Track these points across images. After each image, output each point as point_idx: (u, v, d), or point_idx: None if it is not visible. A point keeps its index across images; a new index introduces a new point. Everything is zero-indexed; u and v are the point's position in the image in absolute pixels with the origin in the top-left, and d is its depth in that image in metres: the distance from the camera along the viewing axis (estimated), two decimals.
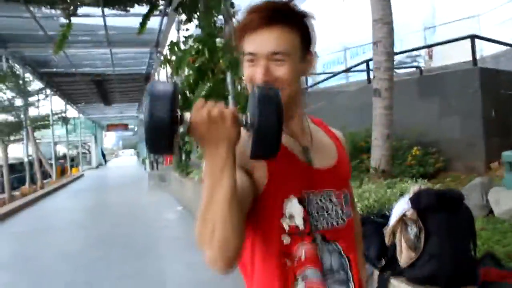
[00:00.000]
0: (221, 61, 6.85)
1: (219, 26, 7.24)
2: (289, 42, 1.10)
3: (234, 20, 7.05)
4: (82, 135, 37.03)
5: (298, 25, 1.12)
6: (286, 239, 1.09)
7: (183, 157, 12.41)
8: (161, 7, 9.79)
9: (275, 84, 1.07)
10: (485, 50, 9.90)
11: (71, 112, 29.70)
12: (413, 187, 2.63)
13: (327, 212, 1.15)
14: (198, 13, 7.65)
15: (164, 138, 0.90)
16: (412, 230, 2.44)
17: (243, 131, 0.99)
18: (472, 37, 7.04)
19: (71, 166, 29.36)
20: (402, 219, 2.49)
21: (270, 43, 1.09)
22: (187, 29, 8.08)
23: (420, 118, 6.82)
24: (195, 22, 7.90)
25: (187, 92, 7.38)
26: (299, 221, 1.09)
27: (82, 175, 26.42)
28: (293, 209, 1.09)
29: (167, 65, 8.53)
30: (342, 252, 1.15)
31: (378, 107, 5.48)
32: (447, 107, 6.75)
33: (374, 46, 5.48)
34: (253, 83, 1.10)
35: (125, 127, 41.43)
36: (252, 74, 1.11)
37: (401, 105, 6.27)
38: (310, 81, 15.57)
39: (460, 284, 2.32)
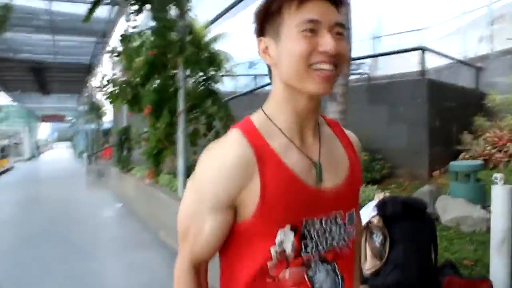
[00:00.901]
0: (175, 56, 6.65)
1: (174, 19, 7.02)
2: (344, 20, 1.01)
3: (190, 14, 6.89)
4: (15, 125, 35.10)
5: (341, 10, 1.02)
6: (271, 263, 0.99)
7: (125, 153, 12.01)
8: None
9: (338, 59, 0.96)
10: (428, 62, 10.30)
11: (4, 99, 28.07)
12: (378, 194, 2.63)
13: (330, 234, 1.04)
14: (152, 4, 7.39)
15: None
16: (378, 238, 2.43)
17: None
18: (422, 49, 7.30)
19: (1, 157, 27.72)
20: (368, 226, 2.48)
21: (334, 12, 0.98)
22: (135, 20, 7.79)
23: (368, 124, 6.96)
24: (146, 14, 7.63)
25: (138, 86, 7.11)
26: (287, 246, 0.99)
27: (12, 167, 25.01)
28: (285, 237, 0.98)
29: (117, 56, 8.19)
30: (337, 270, 1.06)
31: (333, 111, 5.51)
32: (395, 115, 6.95)
33: None
34: (311, 57, 0.95)
35: (61, 118, 39.75)
36: (312, 46, 0.94)
37: (351, 111, 6.36)
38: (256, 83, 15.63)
39: None
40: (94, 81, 20.73)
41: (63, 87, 23.64)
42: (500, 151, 6.38)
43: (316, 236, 1.01)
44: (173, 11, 6.84)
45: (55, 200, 11.47)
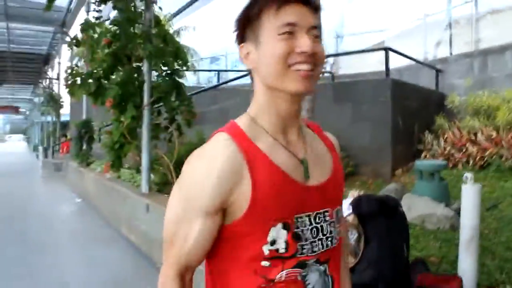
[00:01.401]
0: (139, 48, 6.50)
1: (139, 11, 6.85)
2: (320, 23, 1.07)
3: (155, 7, 6.74)
4: None
5: (318, 14, 1.06)
6: (264, 263, 0.99)
7: (84, 146, 11.69)
8: None
9: (315, 59, 1.00)
10: (390, 62, 10.54)
11: None
12: (352, 192, 2.65)
13: (322, 233, 1.05)
14: None
15: None
16: (353, 236, 2.44)
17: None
18: (386, 50, 7.43)
19: None
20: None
21: (311, 15, 1.02)
22: (98, 10, 7.57)
23: (333, 122, 7.01)
24: (110, 4, 7.42)
25: (102, 78, 6.89)
26: (280, 245, 0.99)
27: None
28: (277, 235, 0.98)
29: (77, 46, 7.92)
30: (327, 271, 1.07)
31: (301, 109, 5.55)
32: (359, 113, 7.06)
33: None
34: (289, 58, 0.98)
35: (15, 110, 38.29)
36: (291, 47, 0.98)
37: (316, 109, 6.42)
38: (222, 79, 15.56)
39: None
40: (52, 72, 20.08)
41: (17, 77, 22.76)
42: (459, 151, 6.59)
43: (311, 236, 1.02)
44: (137, 2, 6.68)
45: (9, 195, 10.99)
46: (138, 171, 7.24)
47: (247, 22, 1.05)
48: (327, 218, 1.07)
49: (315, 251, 1.03)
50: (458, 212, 3.63)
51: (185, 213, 1.00)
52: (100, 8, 7.51)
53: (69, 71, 6.95)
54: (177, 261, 1.02)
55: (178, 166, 6.44)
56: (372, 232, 2.44)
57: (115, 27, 6.71)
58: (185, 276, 1.04)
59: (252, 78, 1.09)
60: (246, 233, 0.99)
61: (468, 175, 2.62)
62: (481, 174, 6.00)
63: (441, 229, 4.16)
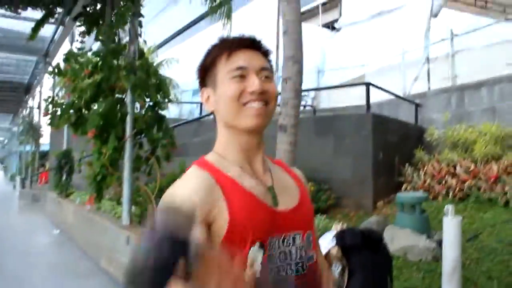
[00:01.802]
0: (123, 80, 6.52)
1: (123, 43, 6.91)
2: (269, 65, 1.17)
3: (140, 39, 6.81)
4: None
5: (268, 57, 1.19)
6: None
7: (64, 177, 11.50)
8: (57, 15, 9.12)
9: (266, 97, 1.10)
10: (370, 97, 10.76)
11: None
12: (336, 225, 2.65)
13: (291, 258, 1.09)
14: (100, 27, 7.25)
15: None
16: (337, 269, 2.44)
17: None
18: (367, 85, 7.61)
19: None
20: (327, 257, 2.49)
21: (260, 59, 1.14)
22: (82, 41, 7.61)
23: (315, 155, 7.09)
24: (93, 35, 7.47)
25: (83, 108, 6.86)
26: (257, 268, 1.01)
27: None
28: (255, 255, 1.02)
29: (58, 77, 7.90)
30: None
31: (283, 141, 5.58)
32: (341, 147, 7.15)
33: (283, 83, 5.60)
34: (242, 97, 1.09)
35: None
36: (242, 88, 1.09)
37: (298, 143, 6.48)
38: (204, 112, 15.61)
39: None
40: (33, 101, 19.89)
41: None
42: (439, 183, 6.69)
43: (278, 260, 1.06)
44: (121, 34, 6.75)
45: None
46: (119, 202, 7.14)
47: (205, 70, 1.17)
48: (297, 242, 1.11)
49: (280, 276, 1.06)
50: (439, 243, 3.68)
51: None
52: (84, 39, 7.58)
53: (49, 100, 6.92)
54: None
55: (160, 198, 6.40)
56: (357, 264, 2.43)
57: (98, 58, 6.76)
58: None
59: (215, 119, 1.19)
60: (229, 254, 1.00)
61: (449, 207, 2.67)
62: (460, 205, 6.09)
63: (424, 260, 4.19)
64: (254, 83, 1.08)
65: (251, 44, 1.15)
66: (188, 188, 1.04)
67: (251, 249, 1.01)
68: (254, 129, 1.11)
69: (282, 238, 1.08)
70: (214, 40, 1.19)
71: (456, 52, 10.37)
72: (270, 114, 1.12)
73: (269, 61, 1.18)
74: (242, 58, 1.11)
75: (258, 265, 1.01)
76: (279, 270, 1.06)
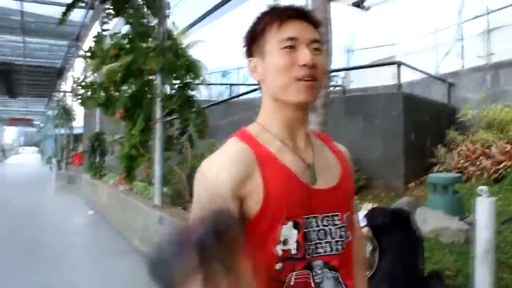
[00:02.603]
0: (152, 62, 6.58)
1: (152, 25, 6.95)
2: (319, 37, 1.12)
3: (168, 21, 6.84)
4: None
5: (318, 29, 1.14)
6: (278, 265, 1.02)
7: (97, 159, 11.78)
8: None
9: (316, 71, 1.07)
10: (401, 76, 10.55)
11: None
12: (366, 205, 2.65)
13: (330, 236, 1.08)
14: (129, 9, 7.31)
15: None
16: (368, 248, 2.44)
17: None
18: (398, 64, 7.44)
19: None
20: None
21: (311, 30, 1.11)
22: (106, 22, 7.66)
23: (344, 136, 6.92)
24: (122, 18, 7.54)
25: (112, 89, 6.97)
26: (292, 246, 1.02)
27: None
28: (288, 234, 1.02)
29: (90, 58, 8.05)
30: (340, 279, 1.09)
31: (314, 122, 5.55)
32: (371, 127, 7.05)
33: None
34: (292, 70, 1.06)
35: (29, 122, 38.72)
36: (292, 60, 1.06)
37: (328, 123, 6.44)
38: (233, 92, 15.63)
39: None
40: (65, 85, 20.32)
41: (31, 90, 23.05)
42: (473, 164, 6.53)
43: (317, 237, 1.06)
44: (150, 18, 6.78)
45: (24, 205, 11.07)
46: (151, 183, 7.29)
47: (253, 38, 1.13)
48: (337, 222, 1.10)
49: (319, 253, 1.06)
50: (472, 225, 3.61)
51: (208, 198, 1.02)
52: (109, 21, 7.65)
53: (78, 82, 7.07)
54: None
55: (191, 178, 6.48)
56: (387, 244, 2.44)
57: (125, 40, 6.83)
58: None
59: (261, 89, 1.16)
60: (261, 232, 1.02)
61: (483, 188, 2.61)
62: (495, 187, 5.94)
63: (456, 242, 4.13)
64: (305, 55, 1.05)
65: (302, 15, 1.11)
66: (224, 161, 1.04)
67: (283, 227, 1.01)
68: (302, 104, 1.09)
69: (321, 217, 1.07)
70: (264, 8, 1.15)
71: (491, 29, 10.00)
72: (319, 89, 1.10)
73: (320, 33, 1.14)
74: (293, 29, 1.08)
75: (293, 243, 1.02)
76: (317, 248, 1.05)
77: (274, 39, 1.08)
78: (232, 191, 1.01)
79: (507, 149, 6.40)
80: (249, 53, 1.16)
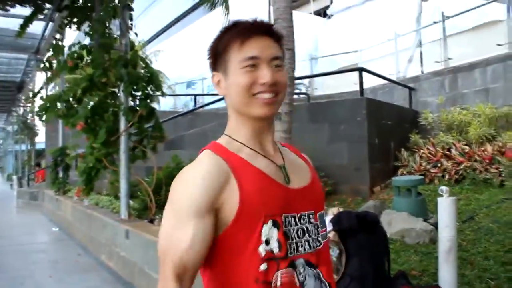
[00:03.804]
0: (112, 74, 6.48)
1: (114, 37, 6.86)
2: (281, 52, 1.16)
3: (131, 32, 6.76)
4: None
5: (280, 43, 1.17)
6: (263, 266, 1.04)
7: (60, 174, 11.47)
8: (46, 11, 9.04)
9: (277, 87, 1.10)
10: (364, 82, 10.77)
11: None
12: (332, 210, 2.67)
13: (308, 234, 1.12)
14: (90, 21, 7.20)
15: None
16: (334, 252, 2.46)
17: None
18: (360, 70, 7.59)
19: None
20: None
21: (272, 48, 1.13)
22: (60, 32, 7.51)
23: (310, 143, 7.06)
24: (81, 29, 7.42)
25: (72, 100, 6.82)
26: (274, 245, 1.05)
27: None
28: (269, 233, 1.05)
29: (49, 70, 7.88)
30: (322, 277, 1.12)
31: (278, 130, 5.56)
32: (336, 133, 7.15)
33: None
34: (252, 88, 1.09)
35: None
36: (254, 78, 1.09)
37: (293, 130, 6.48)
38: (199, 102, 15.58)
39: None
40: (26, 100, 19.77)
41: None
42: (434, 166, 6.71)
43: (296, 236, 1.09)
44: (113, 28, 6.69)
45: None
46: (116, 197, 7.14)
47: (216, 54, 1.16)
48: (312, 220, 1.14)
49: (300, 251, 1.08)
50: (436, 226, 3.69)
51: (178, 221, 1.04)
52: (62, 30, 7.49)
53: (35, 93, 6.90)
54: (173, 264, 1.02)
55: (157, 190, 6.39)
56: (353, 248, 2.47)
57: (85, 52, 6.72)
58: (183, 278, 1.03)
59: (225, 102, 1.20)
60: (241, 237, 1.04)
61: (444, 188, 2.68)
62: (456, 187, 6.12)
63: (421, 243, 4.22)
64: (265, 75, 1.09)
65: (264, 31, 1.13)
66: (197, 173, 1.06)
67: (264, 226, 1.03)
68: (263, 118, 1.13)
69: (298, 216, 1.11)
70: (225, 24, 1.19)
71: (448, 35, 10.34)
72: (280, 103, 1.14)
73: (281, 46, 1.17)
74: (255, 47, 1.10)
75: (274, 242, 1.04)
76: (297, 246, 1.08)
77: (236, 58, 1.11)
78: (207, 204, 1.02)
79: (466, 151, 6.61)
80: (213, 67, 1.18)
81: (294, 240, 1.08)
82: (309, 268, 1.09)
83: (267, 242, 1.04)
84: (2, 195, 20.10)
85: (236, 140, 1.14)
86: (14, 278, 5.76)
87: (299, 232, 1.10)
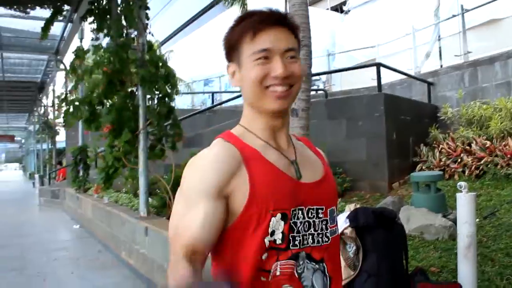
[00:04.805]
0: (132, 74, 6.55)
1: (132, 37, 6.93)
2: (296, 43, 1.14)
3: (147, 31, 6.81)
4: None
5: (295, 33, 1.15)
6: (264, 255, 1.05)
7: (81, 172, 11.65)
8: (65, 13, 9.17)
9: (290, 80, 1.09)
10: (382, 78, 10.67)
11: None
12: (349, 206, 2.67)
13: (314, 229, 1.11)
14: (108, 22, 7.28)
15: None
16: (351, 248, 2.46)
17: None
18: (378, 65, 7.52)
19: None
20: (341, 238, 2.50)
21: (285, 40, 1.11)
22: (97, 38, 7.62)
23: (328, 139, 7.06)
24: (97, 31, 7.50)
25: (95, 104, 6.91)
26: (277, 236, 1.05)
27: None
28: (276, 225, 1.05)
29: (71, 74, 7.98)
30: (326, 271, 1.13)
31: (295, 127, 5.57)
32: (354, 129, 7.11)
33: None
34: (265, 81, 1.08)
35: (10, 138, 38.13)
36: (266, 71, 1.08)
37: (310, 127, 6.47)
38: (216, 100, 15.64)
39: None
40: (46, 100, 20.12)
41: (12, 106, 22.71)
42: (454, 162, 6.63)
43: (302, 229, 1.09)
44: (130, 28, 6.75)
45: (8, 223, 10.91)
46: (136, 195, 7.22)
47: (230, 46, 1.15)
48: (320, 215, 1.13)
49: (305, 244, 1.09)
50: (456, 221, 3.65)
51: (189, 203, 1.05)
52: (97, 35, 7.60)
53: (61, 98, 6.99)
54: (184, 244, 1.03)
55: (175, 188, 6.45)
56: (370, 244, 2.46)
57: (109, 54, 6.79)
58: (193, 258, 1.03)
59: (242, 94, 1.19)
60: (249, 228, 1.05)
61: (462, 183, 2.65)
62: (477, 183, 6.04)
63: (440, 239, 4.17)
64: (278, 67, 1.07)
65: (279, 21, 1.11)
66: (209, 158, 1.07)
67: (272, 219, 1.04)
68: (275, 112, 1.12)
69: (306, 209, 1.10)
70: (239, 14, 1.18)
71: (468, 28, 10.17)
72: (294, 95, 1.13)
73: (296, 36, 1.15)
74: (267, 39, 1.08)
75: (278, 234, 1.05)
76: (303, 239, 1.08)
77: (248, 50, 1.09)
78: (217, 188, 1.03)
79: (487, 145, 6.50)
80: (228, 58, 1.17)
81: (300, 233, 1.08)
82: (308, 262, 1.09)
83: (272, 233, 1.04)
84: (25, 193, 20.49)
85: (250, 131, 1.14)
86: (36, 275, 5.88)
87: (305, 225, 1.09)
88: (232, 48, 1.14)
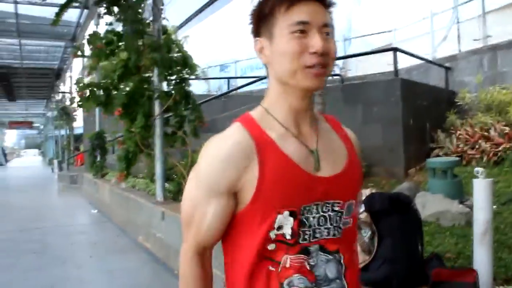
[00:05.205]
0: (147, 59, 6.57)
1: (146, 22, 6.93)
2: (331, 20, 1.08)
3: (162, 16, 6.82)
4: None
5: (330, 10, 1.09)
6: (271, 246, 1.03)
7: (98, 158, 11.81)
8: None
9: (327, 58, 1.03)
10: (399, 63, 10.53)
11: None
12: (364, 191, 2.66)
13: (329, 222, 1.08)
14: (120, 7, 7.28)
15: None
16: (366, 233, 2.46)
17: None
18: (395, 50, 7.43)
19: None
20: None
21: (323, 14, 1.04)
22: (110, 23, 7.64)
23: (344, 124, 6.98)
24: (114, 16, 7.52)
25: (111, 88, 6.97)
26: (286, 231, 1.03)
27: None
28: (284, 221, 1.02)
29: (82, 58, 8.06)
30: (341, 261, 1.09)
31: None
32: (370, 115, 7.05)
33: None
34: (302, 57, 1.01)
35: (29, 125, 38.73)
36: (302, 46, 1.01)
37: (326, 112, 6.44)
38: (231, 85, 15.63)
39: (412, 285, 2.38)
40: (64, 86, 20.32)
41: (30, 92, 23.08)
42: (472, 148, 6.54)
43: (314, 224, 1.05)
44: (145, 14, 6.76)
45: (28, 207, 11.16)
46: (152, 180, 7.30)
47: (260, 18, 1.08)
48: (336, 208, 1.08)
49: (316, 237, 1.05)
50: (472, 208, 3.62)
51: (200, 195, 1.07)
52: (111, 20, 7.61)
53: (79, 83, 7.06)
54: (195, 242, 1.10)
55: None
56: (386, 229, 2.46)
57: (120, 38, 6.82)
58: (203, 254, 1.11)
59: (267, 72, 1.12)
60: (253, 219, 1.03)
61: (479, 169, 2.62)
62: (495, 169, 5.96)
63: (457, 225, 4.14)
64: (317, 43, 1.00)
65: None
66: (224, 150, 1.03)
67: (278, 216, 1.01)
68: (310, 90, 1.07)
69: (321, 204, 1.06)
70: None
71: (487, 11, 9.95)
72: (328, 75, 1.08)
73: (330, 14, 1.08)
74: (304, 11, 1.01)
75: (288, 229, 1.02)
76: (314, 233, 1.05)
77: (284, 22, 1.02)
78: (229, 186, 1.03)
79: (505, 131, 6.40)
80: (256, 33, 1.10)
81: (312, 228, 1.05)
82: (322, 253, 1.06)
83: (279, 228, 1.02)
84: (44, 179, 20.87)
85: (271, 115, 1.09)
86: (56, 258, 6.02)
87: (320, 220, 1.06)
88: (263, 20, 1.07)
